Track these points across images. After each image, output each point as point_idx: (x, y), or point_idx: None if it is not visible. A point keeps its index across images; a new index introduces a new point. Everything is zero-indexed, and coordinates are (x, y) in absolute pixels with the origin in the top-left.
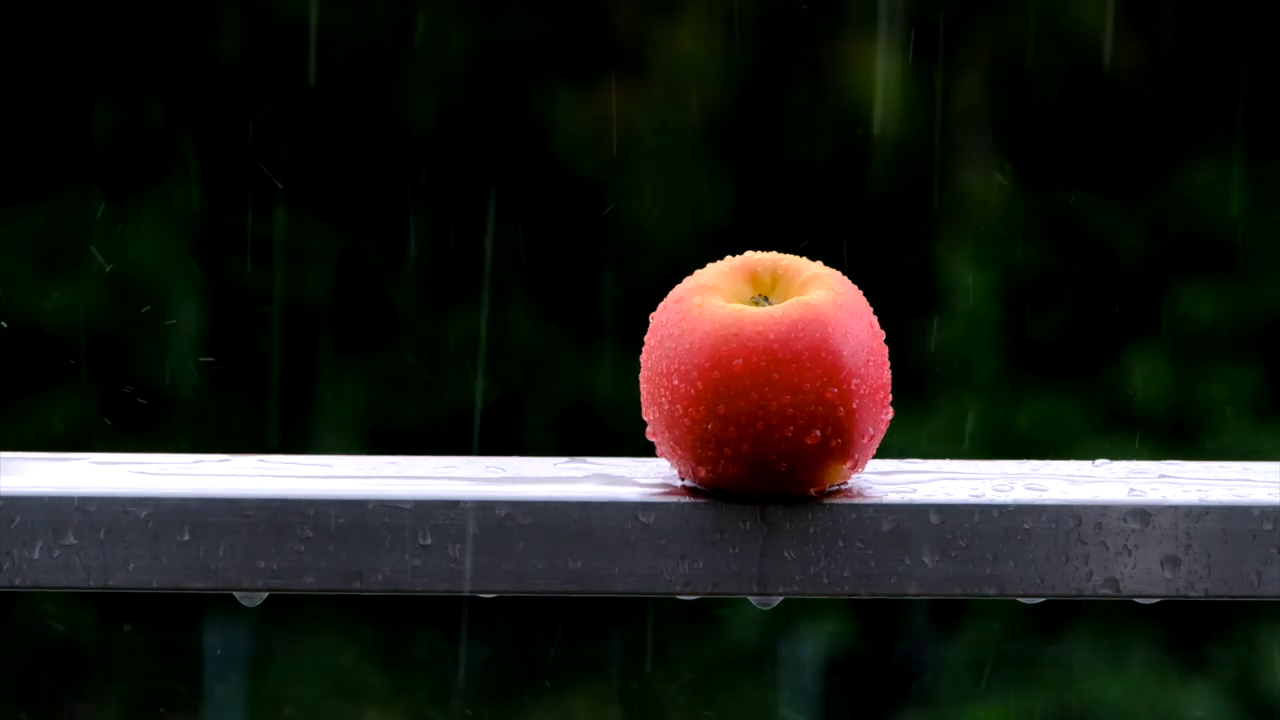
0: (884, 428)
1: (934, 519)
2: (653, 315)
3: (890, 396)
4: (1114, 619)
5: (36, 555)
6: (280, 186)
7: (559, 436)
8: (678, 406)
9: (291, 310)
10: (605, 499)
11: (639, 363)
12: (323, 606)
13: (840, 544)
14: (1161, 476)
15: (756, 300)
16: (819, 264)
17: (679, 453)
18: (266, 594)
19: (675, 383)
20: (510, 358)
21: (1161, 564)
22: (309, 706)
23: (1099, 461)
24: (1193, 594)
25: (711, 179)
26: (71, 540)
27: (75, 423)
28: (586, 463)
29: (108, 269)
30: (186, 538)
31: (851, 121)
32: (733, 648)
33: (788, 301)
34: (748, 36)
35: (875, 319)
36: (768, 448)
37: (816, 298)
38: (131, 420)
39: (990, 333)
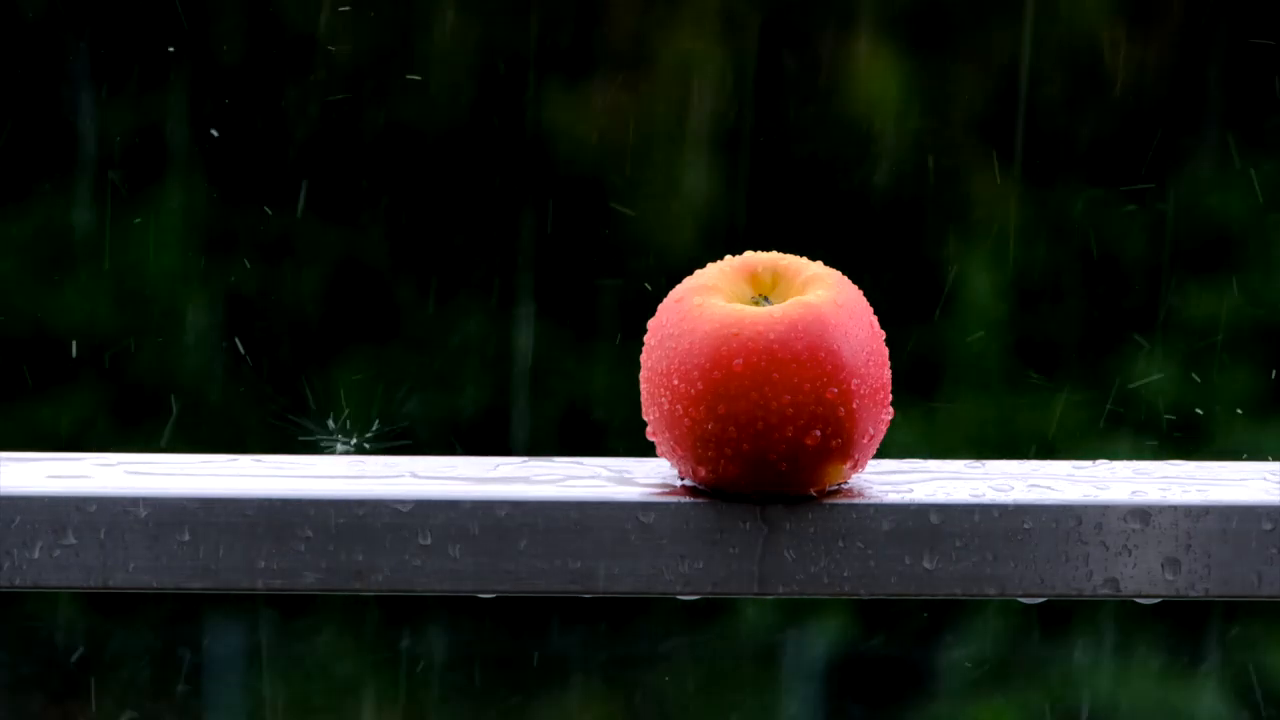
0: (884, 428)
1: (934, 519)
2: (652, 315)
3: (890, 396)
4: (1114, 619)
5: (36, 555)
6: (282, 187)
7: (559, 436)
8: (678, 406)
9: (293, 310)
10: (605, 499)
11: (639, 363)
12: (323, 606)
13: (840, 544)
14: (1162, 476)
15: (756, 300)
16: (819, 264)
17: (679, 453)
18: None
19: (675, 383)
20: (510, 358)
21: (1162, 564)
22: (309, 706)
23: (1099, 461)
24: (1193, 594)
25: (712, 179)
26: (71, 540)
27: (76, 423)
28: (586, 462)
29: (110, 268)
30: (186, 538)
31: (853, 120)
32: (733, 647)
33: (788, 301)
34: (748, 35)
35: (875, 319)
36: (768, 448)
37: (816, 298)
38: (133, 420)
39: (991, 332)
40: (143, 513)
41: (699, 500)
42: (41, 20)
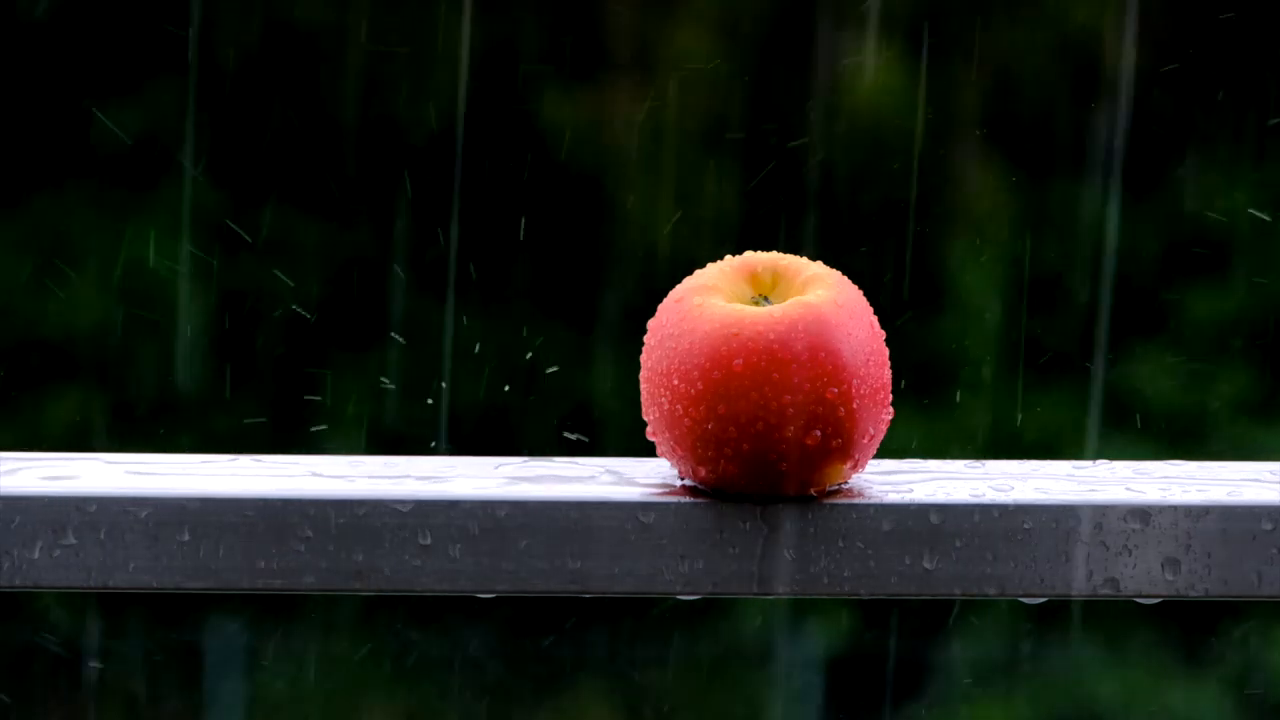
0: (884, 428)
1: (934, 519)
2: (652, 315)
3: (890, 396)
4: (1114, 619)
5: (36, 555)
6: (282, 187)
7: (559, 437)
8: (678, 406)
9: (292, 310)
10: (605, 499)
11: (639, 363)
12: (323, 606)
13: (840, 544)
14: (1162, 476)
15: (756, 300)
16: (819, 264)
17: (679, 453)
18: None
19: (675, 383)
20: (510, 357)
21: (1161, 564)
22: (309, 706)
23: (1099, 461)
24: (1193, 594)
25: (712, 179)
26: (71, 540)
27: (75, 423)
28: (587, 462)
29: (109, 268)
30: (186, 538)
31: (852, 120)
32: (733, 647)
33: (788, 301)
34: (748, 36)
35: (875, 319)
36: (768, 448)
37: (816, 298)
38: (132, 420)
39: (991, 332)
40: (143, 513)
41: (699, 500)
42: (41, 20)
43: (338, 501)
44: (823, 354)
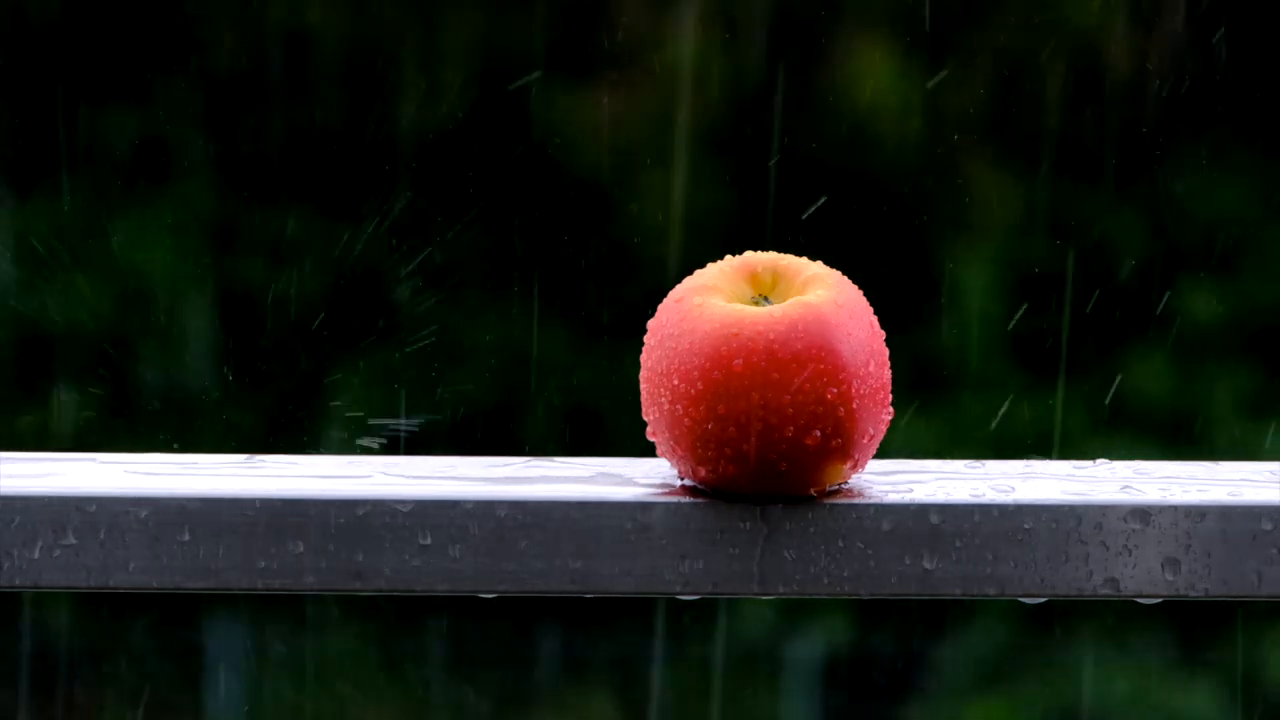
0: (884, 428)
1: (934, 519)
2: (652, 315)
3: (890, 396)
4: (1114, 619)
5: (36, 555)
6: (284, 187)
7: (559, 436)
8: (678, 406)
9: (292, 310)
10: (605, 499)
11: (639, 363)
12: (323, 606)
13: (840, 544)
14: (1162, 476)
15: (756, 300)
16: (819, 264)
17: (679, 453)
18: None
19: (675, 383)
20: (510, 358)
21: (1162, 564)
22: (309, 706)
23: (1099, 461)
24: (1193, 594)
25: (711, 179)
26: (71, 540)
27: (76, 423)
28: (586, 462)
29: (110, 268)
30: (186, 538)
31: (852, 120)
32: (733, 648)
33: (788, 301)
34: (748, 35)
35: (875, 319)
36: (768, 448)
37: (816, 298)
38: (133, 420)
39: (990, 332)
40: (143, 513)
41: (699, 500)
42: (44, 20)
43: (338, 501)
44: (823, 354)
